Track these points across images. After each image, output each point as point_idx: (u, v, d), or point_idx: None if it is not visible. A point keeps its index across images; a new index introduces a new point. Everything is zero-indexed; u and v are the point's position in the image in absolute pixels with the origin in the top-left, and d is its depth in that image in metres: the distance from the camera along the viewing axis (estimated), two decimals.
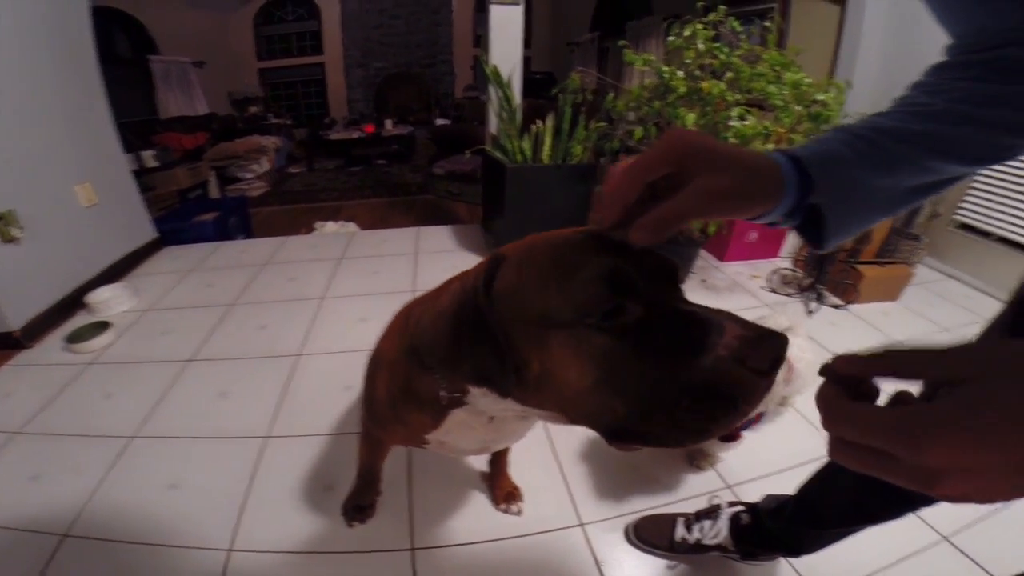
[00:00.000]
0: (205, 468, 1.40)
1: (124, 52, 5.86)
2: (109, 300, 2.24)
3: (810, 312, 2.23)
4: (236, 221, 3.40)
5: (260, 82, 8.02)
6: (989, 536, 1.19)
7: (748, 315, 0.41)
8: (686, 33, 2.06)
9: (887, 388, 0.29)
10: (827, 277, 2.31)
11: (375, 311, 2.20)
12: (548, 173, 2.52)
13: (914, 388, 0.28)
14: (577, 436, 1.47)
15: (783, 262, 2.67)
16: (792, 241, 2.74)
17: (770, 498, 1.06)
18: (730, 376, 0.37)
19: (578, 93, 2.52)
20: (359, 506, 1.23)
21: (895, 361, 0.27)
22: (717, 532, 1.10)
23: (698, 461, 1.38)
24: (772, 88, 1.92)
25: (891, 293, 2.34)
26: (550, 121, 2.53)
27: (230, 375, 1.80)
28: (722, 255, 2.74)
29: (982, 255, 2.52)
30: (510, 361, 0.45)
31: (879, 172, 0.43)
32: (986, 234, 2.51)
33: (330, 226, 3.47)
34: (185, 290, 2.49)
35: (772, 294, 2.41)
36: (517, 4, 2.58)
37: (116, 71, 3.56)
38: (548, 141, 2.54)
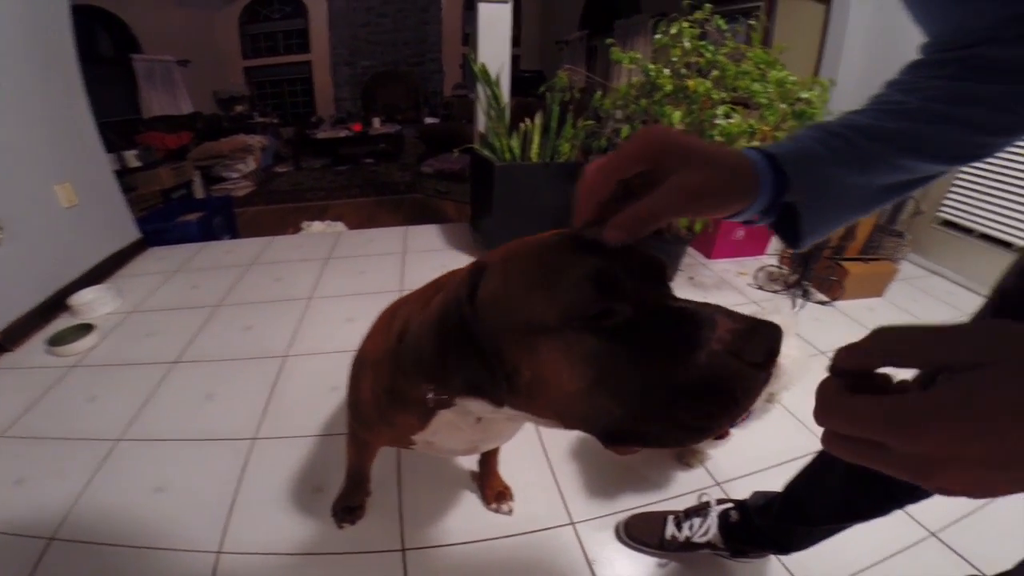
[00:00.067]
0: (192, 470, 1.38)
1: (106, 51, 5.77)
2: (92, 302, 2.20)
3: (796, 308, 2.25)
4: (221, 221, 3.36)
5: (246, 81, 7.92)
6: (976, 531, 1.21)
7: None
8: (672, 31, 2.07)
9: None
10: (812, 274, 2.34)
11: (362, 311, 2.18)
12: (536, 171, 2.52)
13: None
14: (567, 435, 1.47)
15: (770, 259, 2.69)
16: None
17: (758, 495, 1.07)
18: (726, 370, 0.36)
19: (566, 91, 2.52)
20: (349, 507, 1.22)
21: (892, 347, 0.26)
22: (706, 530, 1.11)
23: (687, 459, 1.39)
24: (757, 86, 1.94)
25: (876, 289, 2.37)
26: (538, 119, 2.53)
27: (216, 377, 1.78)
28: (709, 252, 2.76)
29: (964, 251, 2.56)
30: (500, 370, 0.44)
31: (853, 170, 0.43)
32: (968, 231, 2.55)
33: (317, 226, 3.43)
34: (170, 291, 2.46)
35: (759, 291, 2.44)
36: (505, 2, 2.57)
37: (98, 70, 3.51)
38: (536, 139, 2.54)
